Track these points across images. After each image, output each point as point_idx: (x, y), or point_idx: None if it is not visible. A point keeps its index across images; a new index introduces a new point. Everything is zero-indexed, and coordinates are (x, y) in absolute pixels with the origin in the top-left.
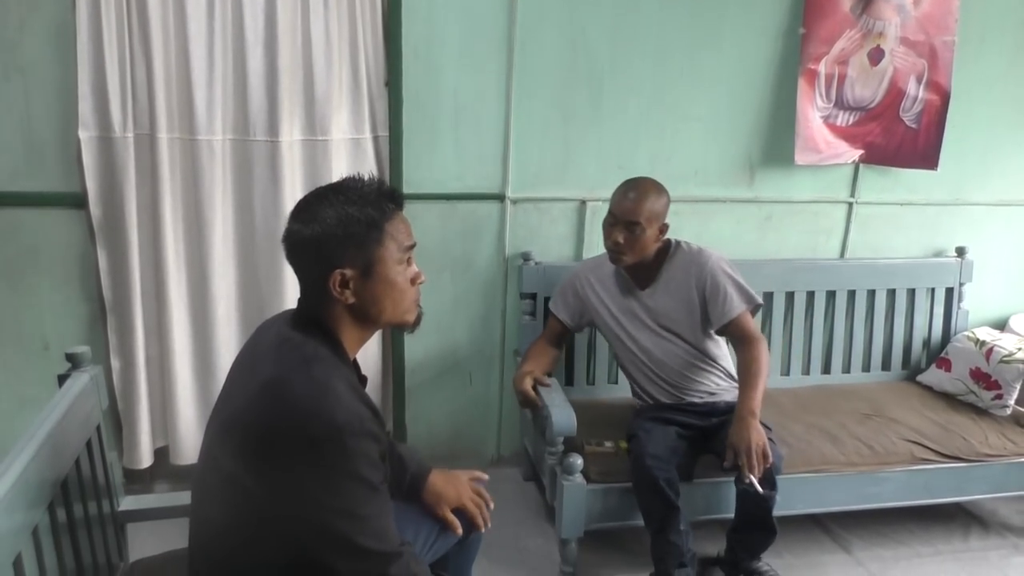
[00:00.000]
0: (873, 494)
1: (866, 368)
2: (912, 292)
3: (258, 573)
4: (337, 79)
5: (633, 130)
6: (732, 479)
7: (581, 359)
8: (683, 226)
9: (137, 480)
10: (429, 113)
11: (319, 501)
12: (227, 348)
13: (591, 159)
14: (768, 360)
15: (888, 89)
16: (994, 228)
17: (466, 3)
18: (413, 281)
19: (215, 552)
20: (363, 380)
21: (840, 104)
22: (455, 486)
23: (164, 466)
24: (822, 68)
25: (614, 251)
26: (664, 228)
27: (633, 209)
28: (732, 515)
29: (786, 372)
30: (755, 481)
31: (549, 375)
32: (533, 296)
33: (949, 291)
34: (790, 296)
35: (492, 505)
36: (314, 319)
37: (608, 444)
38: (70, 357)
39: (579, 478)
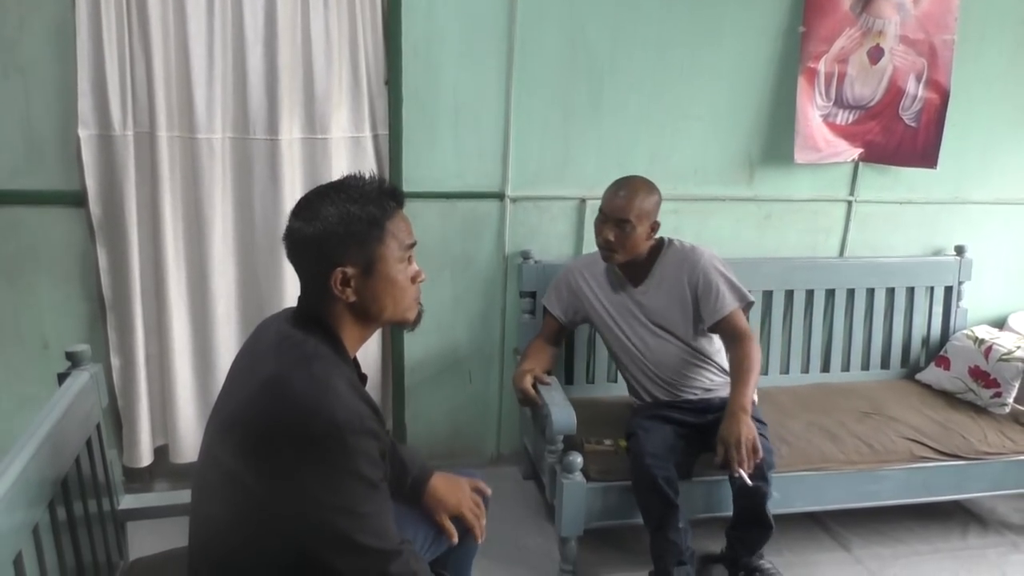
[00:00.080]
0: (872, 492)
1: (865, 366)
2: (911, 290)
3: (258, 571)
4: (337, 77)
5: (633, 128)
6: (727, 475)
7: (581, 358)
8: (683, 224)
9: (137, 478)
10: (429, 111)
11: (319, 499)
12: (227, 346)
13: (591, 157)
14: (759, 357)
15: (888, 88)
16: (993, 227)
17: (466, 1)
18: (414, 279)
19: (215, 551)
20: (363, 378)
21: (840, 102)
22: (456, 493)
23: (164, 464)
24: (822, 66)
25: (605, 249)
26: (655, 226)
27: (623, 207)
28: (731, 513)
29: (785, 370)
30: (744, 474)
31: (549, 373)
32: (533, 294)
33: (948, 289)
34: (789, 295)
35: (483, 521)
36: (314, 317)
37: (608, 442)
38: (70, 355)
39: (579, 476)
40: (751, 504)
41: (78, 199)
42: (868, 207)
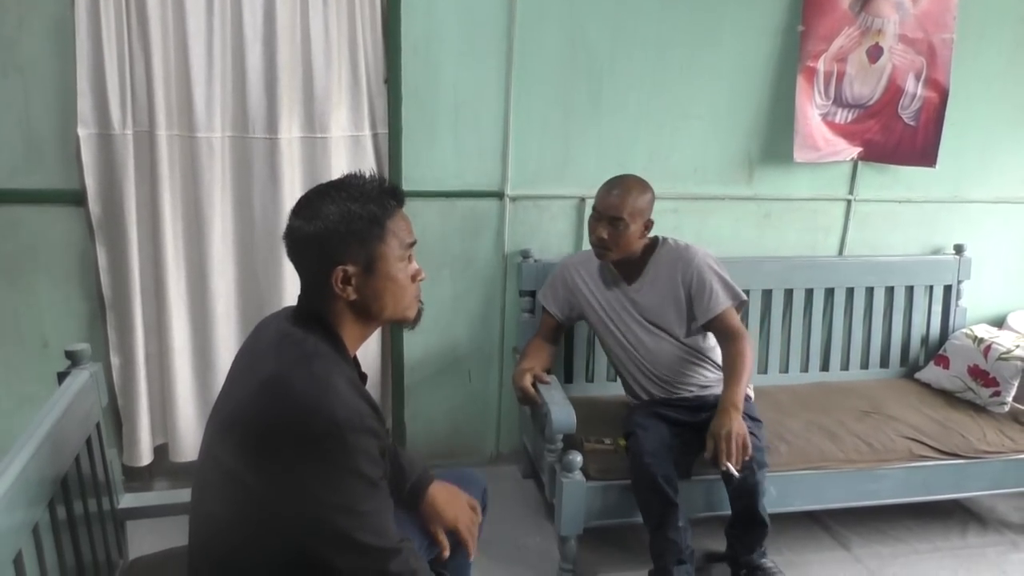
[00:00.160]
0: (871, 491)
1: (864, 365)
2: (910, 289)
3: (258, 570)
4: (336, 76)
5: (632, 127)
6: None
7: (580, 356)
8: (682, 223)
9: (137, 477)
10: (428, 110)
11: (319, 497)
12: (226, 345)
13: (590, 156)
14: (753, 355)
15: (887, 86)
16: (992, 225)
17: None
18: (414, 278)
19: (215, 549)
20: (363, 377)
21: (839, 101)
22: (453, 507)
23: (164, 463)
24: (821, 65)
25: (598, 246)
26: (649, 224)
27: (616, 205)
28: (730, 512)
29: (785, 369)
30: (731, 467)
31: (548, 372)
32: (532, 293)
33: (947, 288)
34: (789, 293)
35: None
36: (315, 315)
37: (607, 441)
38: (69, 354)
39: (578, 475)
40: (745, 500)
41: (77, 198)
42: (867, 206)
